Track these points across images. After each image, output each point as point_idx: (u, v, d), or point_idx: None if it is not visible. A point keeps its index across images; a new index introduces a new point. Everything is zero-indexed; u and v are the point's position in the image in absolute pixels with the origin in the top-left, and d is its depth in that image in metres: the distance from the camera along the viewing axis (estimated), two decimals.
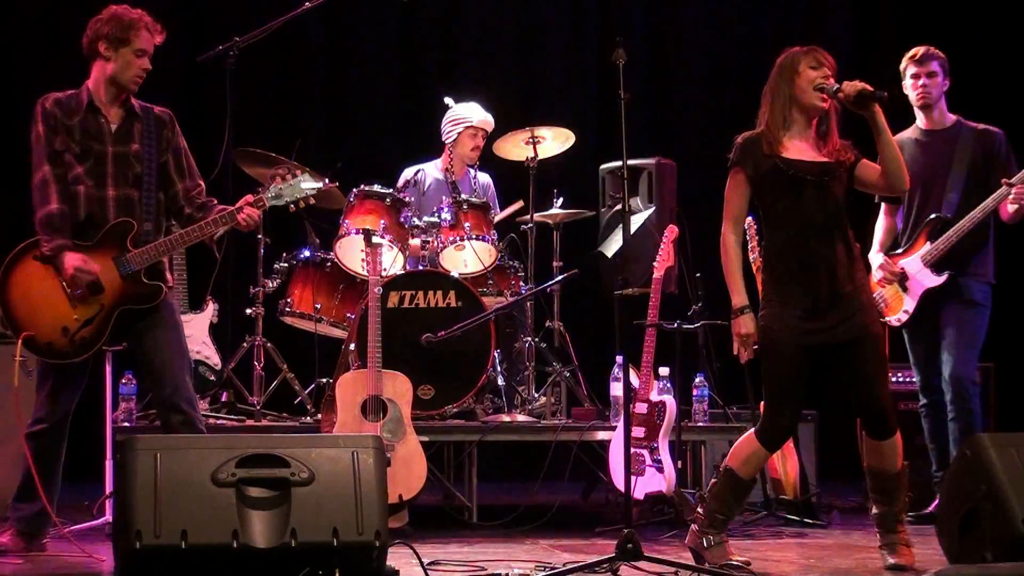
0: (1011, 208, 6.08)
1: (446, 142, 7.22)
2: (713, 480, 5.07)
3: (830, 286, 4.80)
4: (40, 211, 5.06)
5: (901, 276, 6.29)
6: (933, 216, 6.22)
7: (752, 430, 4.92)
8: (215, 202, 5.26)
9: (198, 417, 5.15)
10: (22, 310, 5.05)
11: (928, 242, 6.21)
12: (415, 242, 6.76)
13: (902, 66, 6.36)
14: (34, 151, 5.12)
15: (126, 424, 6.12)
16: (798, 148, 4.86)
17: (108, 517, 5.70)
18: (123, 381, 6.21)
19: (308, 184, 5.21)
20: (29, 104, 5.21)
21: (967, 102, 6.66)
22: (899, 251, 6.36)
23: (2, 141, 7.53)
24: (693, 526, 4.95)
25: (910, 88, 6.35)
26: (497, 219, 6.99)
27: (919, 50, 6.35)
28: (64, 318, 5.04)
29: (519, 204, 7.24)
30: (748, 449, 4.89)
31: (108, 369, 6.04)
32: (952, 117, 6.36)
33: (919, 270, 6.23)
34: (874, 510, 5.00)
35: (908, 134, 6.41)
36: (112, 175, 5.12)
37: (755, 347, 4.86)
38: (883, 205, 6.45)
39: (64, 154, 5.08)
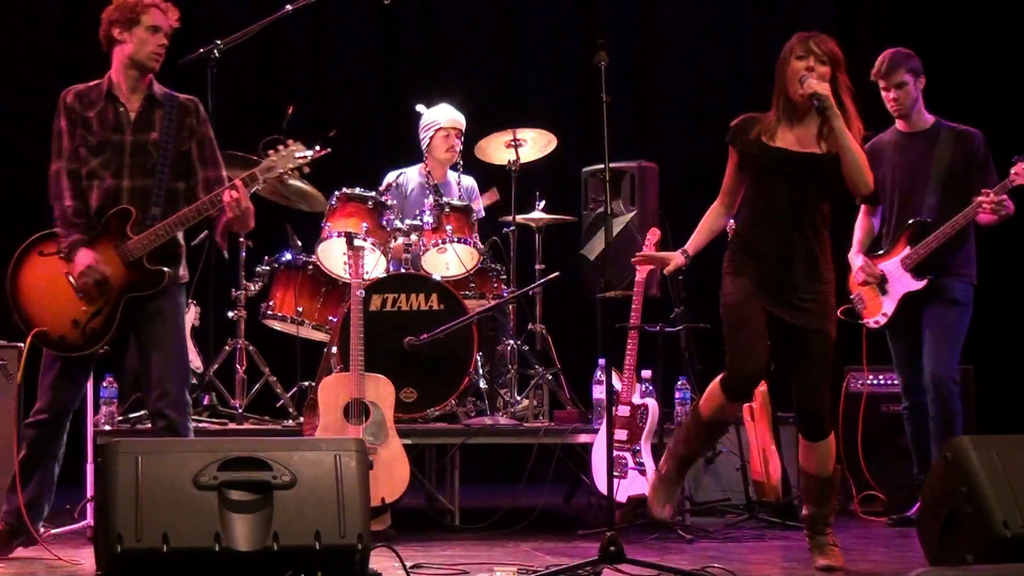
0: (986, 219, 6.12)
1: (423, 149, 7.22)
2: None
3: (785, 275, 4.85)
4: (55, 206, 5.12)
5: (881, 279, 6.30)
6: (914, 220, 6.22)
7: (720, 376, 4.96)
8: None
9: (183, 423, 5.10)
10: (33, 306, 5.09)
11: (908, 246, 6.22)
12: (397, 245, 6.76)
13: (872, 75, 6.36)
14: (52, 143, 5.17)
15: (107, 427, 6.10)
16: (790, 137, 4.90)
17: (89, 521, 5.68)
18: (104, 384, 6.19)
19: (300, 153, 5.21)
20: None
21: (947, 99, 6.67)
22: (880, 253, 6.37)
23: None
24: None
25: (884, 98, 6.35)
26: (478, 210, 7.00)
27: (883, 62, 6.29)
28: (74, 311, 5.07)
29: (494, 195, 7.23)
30: (714, 391, 4.95)
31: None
32: (930, 118, 6.36)
33: (900, 274, 6.24)
34: (804, 511, 5.05)
35: (887, 136, 6.43)
36: (129, 166, 5.12)
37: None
38: (862, 206, 6.47)
39: (81, 148, 5.11)
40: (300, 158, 5.21)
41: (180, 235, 5.20)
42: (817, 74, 4.82)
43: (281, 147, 5.22)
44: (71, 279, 5.06)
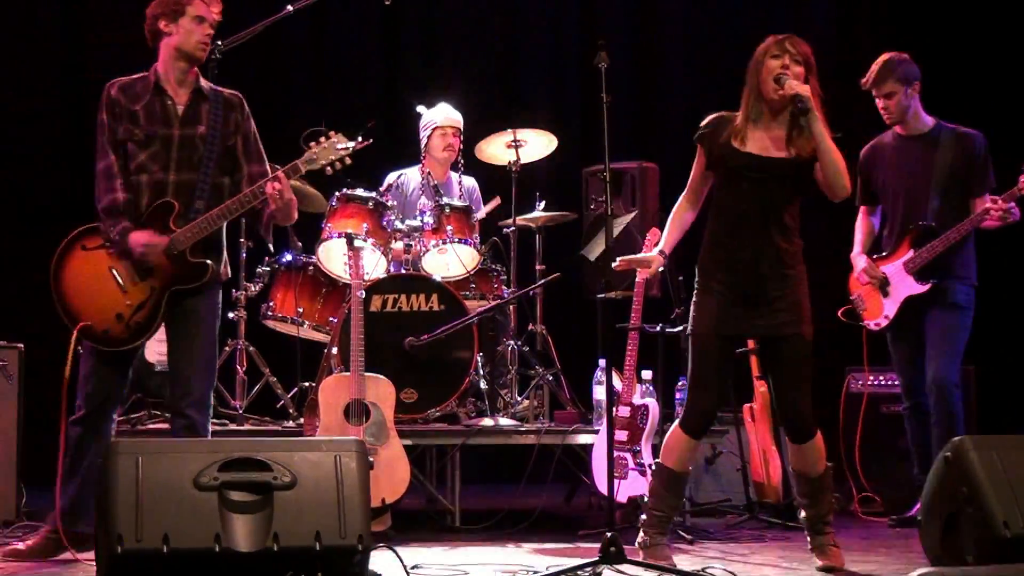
0: (990, 225, 6.12)
1: (422, 148, 7.23)
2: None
3: (755, 281, 4.87)
4: (105, 199, 5.08)
5: (883, 280, 6.30)
6: (918, 224, 6.22)
7: (678, 420, 5.03)
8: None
9: (203, 424, 5.11)
10: (77, 300, 5.09)
11: (912, 249, 6.22)
12: (397, 246, 6.76)
13: (862, 84, 6.35)
14: (97, 138, 5.15)
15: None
16: (759, 141, 4.90)
17: None
18: None
19: (343, 144, 5.19)
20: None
21: (948, 99, 6.64)
22: (882, 255, 6.36)
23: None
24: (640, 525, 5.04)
25: (878, 106, 6.36)
26: (479, 215, 7.01)
27: (871, 73, 6.28)
28: (117, 305, 5.07)
29: (496, 201, 7.23)
30: (674, 438, 5.00)
31: None
32: (930, 120, 6.35)
33: (902, 277, 6.24)
34: (802, 513, 5.08)
35: (886, 139, 6.42)
36: (176, 160, 5.10)
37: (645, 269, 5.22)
38: (862, 206, 6.48)
39: (128, 143, 5.09)
40: (342, 149, 5.18)
41: (223, 230, 5.20)
42: (792, 74, 4.83)
43: (323, 139, 5.20)
44: (115, 272, 5.06)
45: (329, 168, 5.21)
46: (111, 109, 5.13)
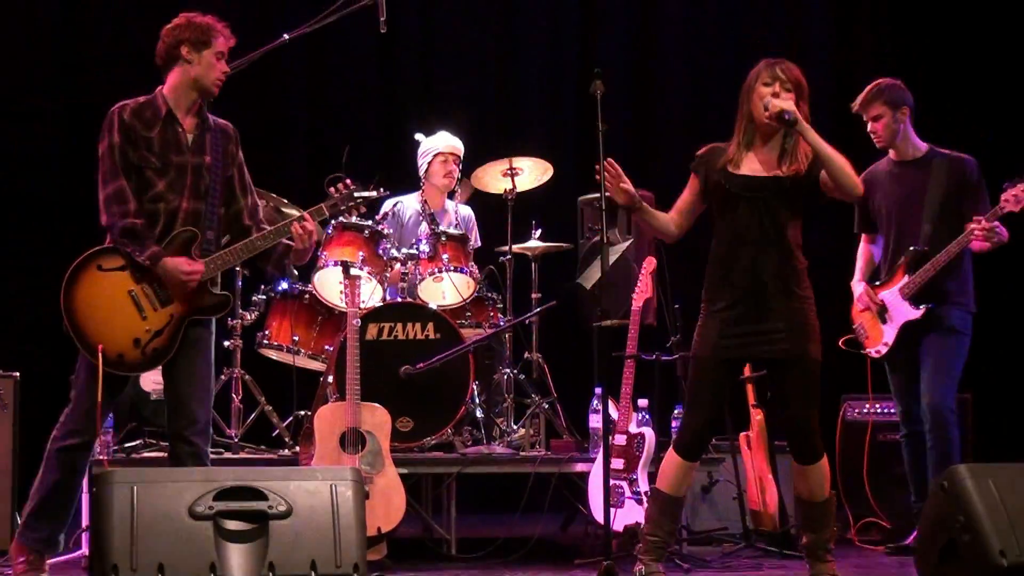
0: (979, 246, 6.12)
1: (421, 176, 7.24)
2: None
3: (756, 302, 4.86)
4: (121, 222, 4.96)
5: (881, 307, 6.30)
6: (911, 249, 6.23)
7: (672, 444, 5.03)
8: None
9: (206, 451, 5.09)
10: (91, 322, 4.95)
11: (906, 275, 6.22)
12: (394, 273, 6.76)
13: (852, 108, 6.37)
14: (105, 162, 5.02)
15: (103, 457, 6.08)
16: (753, 163, 4.94)
17: (84, 550, 5.66)
18: None
19: (360, 193, 5.36)
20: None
21: (948, 99, 6.61)
22: (879, 282, 6.37)
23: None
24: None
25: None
26: (477, 236, 7.05)
27: (860, 97, 6.31)
28: (135, 330, 4.97)
29: (467, 188, 7.30)
30: (668, 462, 5.00)
31: None
32: (924, 146, 6.36)
33: (899, 303, 6.24)
34: (803, 539, 5.05)
35: (881, 166, 6.43)
36: (189, 187, 5.06)
37: None
38: (863, 235, 6.49)
39: (145, 170, 5.02)
40: (359, 197, 5.34)
41: None
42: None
43: (342, 185, 5.30)
44: (135, 296, 4.96)
45: (346, 213, 5.53)
46: (125, 133, 5.02)
